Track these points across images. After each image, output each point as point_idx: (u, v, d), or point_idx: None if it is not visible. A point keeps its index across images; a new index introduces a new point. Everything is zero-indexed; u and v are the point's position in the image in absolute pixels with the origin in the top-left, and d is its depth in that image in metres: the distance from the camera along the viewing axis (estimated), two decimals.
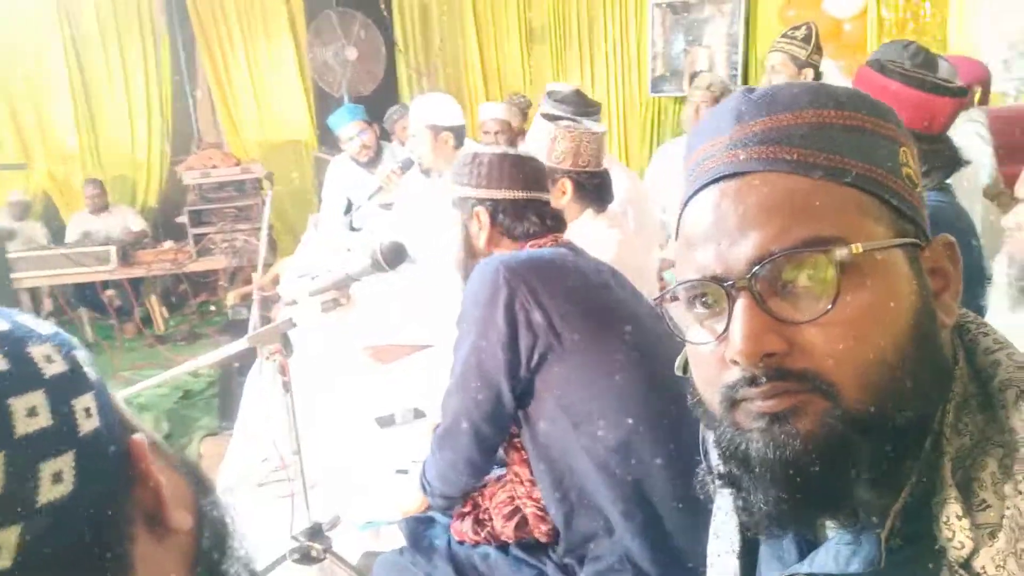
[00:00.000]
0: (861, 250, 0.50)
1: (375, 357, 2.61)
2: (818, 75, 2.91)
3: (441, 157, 2.57)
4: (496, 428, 1.32)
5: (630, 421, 1.23)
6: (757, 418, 0.52)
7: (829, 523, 0.57)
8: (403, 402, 2.21)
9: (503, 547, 1.33)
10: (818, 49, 2.94)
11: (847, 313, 0.50)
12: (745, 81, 5.92)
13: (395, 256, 1.38)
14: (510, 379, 1.27)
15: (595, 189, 1.95)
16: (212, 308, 5.57)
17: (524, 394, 1.30)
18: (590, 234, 1.96)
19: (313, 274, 3.40)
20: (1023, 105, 3.73)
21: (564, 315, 1.26)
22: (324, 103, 5.41)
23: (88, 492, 0.41)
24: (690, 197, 0.57)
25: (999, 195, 2.75)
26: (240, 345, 1.32)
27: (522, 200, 1.42)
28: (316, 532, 1.44)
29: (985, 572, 0.47)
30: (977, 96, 3.04)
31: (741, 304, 0.51)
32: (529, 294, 1.26)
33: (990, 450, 0.51)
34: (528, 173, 1.43)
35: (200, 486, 0.53)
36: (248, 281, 4.83)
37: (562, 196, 1.90)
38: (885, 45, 2.49)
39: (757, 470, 0.52)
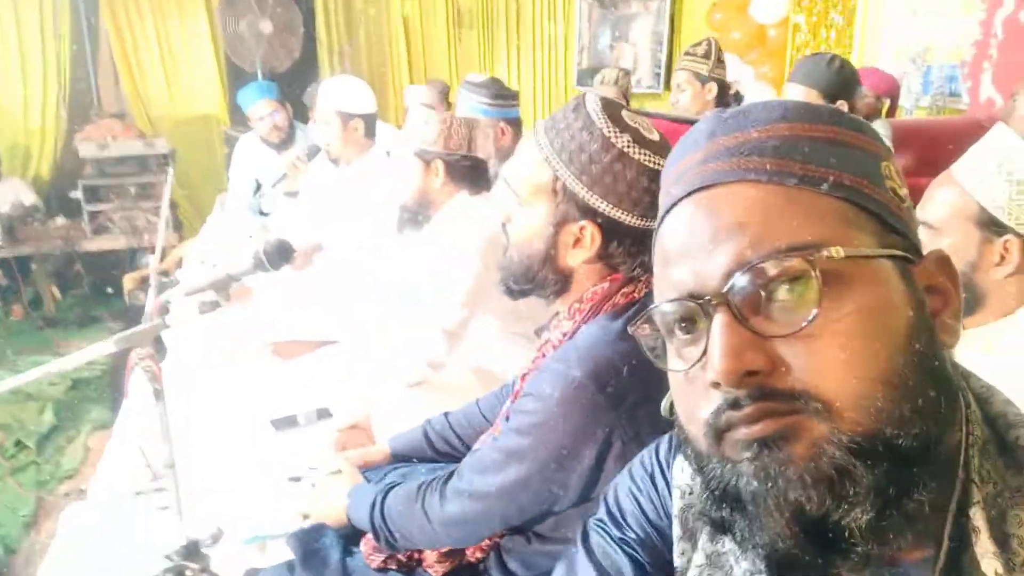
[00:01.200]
0: (843, 254, 0.46)
1: (277, 353, 2.48)
2: (723, 87, 3.00)
3: (350, 146, 2.47)
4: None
5: None
6: (745, 447, 0.47)
7: None
8: (307, 402, 2.11)
9: (409, 570, 1.25)
10: (720, 63, 3.04)
11: (832, 324, 0.46)
12: (668, 80, 5.99)
13: (279, 256, 1.27)
14: (573, 500, 1.06)
15: (468, 172, 1.95)
16: (109, 291, 5.25)
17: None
18: (463, 214, 1.96)
19: (213, 261, 3.24)
20: (921, 119, 3.89)
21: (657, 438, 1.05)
22: (238, 78, 5.16)
23: None
24: (664, 215, 0.55)
25: None
26: (106, 348, 1.19)
27: (646, 231, 1.05)
28: (192, 550, 1.33)
29: None
30: (885, 108, 3.13)
31: (719, 320, 0.48)
32: (629, 426, 0.99)
33: (1022, 503, 0.48)
34: (656, 195, 1.13)
35: None
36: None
37: (435, 178, 1.93)
38: (807, 59, 2.52)
39: (750, 508, 0.47)
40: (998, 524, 0.47)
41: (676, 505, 0.65)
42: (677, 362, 0.52)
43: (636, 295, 1.08)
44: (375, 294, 2.47)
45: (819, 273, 0.46)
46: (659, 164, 1.03)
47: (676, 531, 0.64)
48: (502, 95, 2.52)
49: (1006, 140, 1.09)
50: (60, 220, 4.89)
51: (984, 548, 0.46)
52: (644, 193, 1.03)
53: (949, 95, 3.33)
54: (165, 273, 3.38)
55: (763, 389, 0.47)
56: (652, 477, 0.70)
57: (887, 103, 3.15)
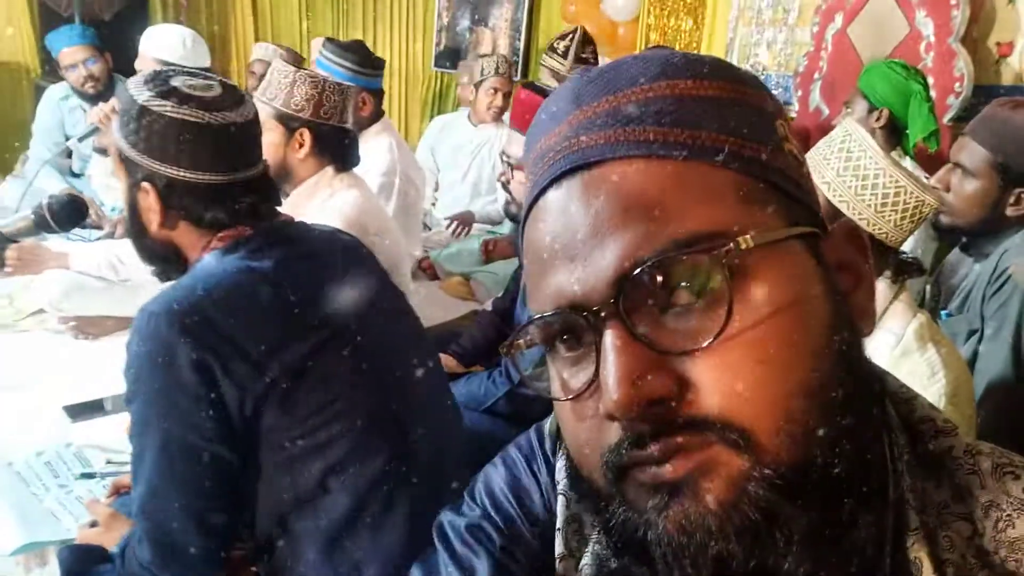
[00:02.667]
0: (752, 244, 0.38)
1: (79, 331, 2.19)
2: None
3: None
4: (230, 505, 1.04)
5: (359, 471, 1.04)
6: (652, 492, 0.39)
7: None
8: (113, 387, 1.86)
9: None
10: (580, 60, 3.01)
11: (747, 332, 0.38)
12: (526, 70, 6.00)
13: (68, 214, 1.06)
14: (228, 444, 1.00)
15: (337, 145, 1.78)
16: None
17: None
18: (324, 193, 1.80)
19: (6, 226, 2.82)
20: None
21: (270, 353, 0.99)
22: (50, 23, 4.57)
23: None
24: (531, 204, 0.45)
25: None
26: None
27: (214, 184, 1.05)
28: None
29: None
30: None
31: (610, 337, 0.39)
32: (219, 340, 0.96)
33: (952, 523, 0.42)
34: (228, 146, 1.05)
35: None
36: None
37: (299, 148, 1.73)
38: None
39: (660, 565, 0.39)
40: (933, 551, 0.41)
41: (560, 515, 0.53)
42: (560, 387, 0.43)
43: (236, 235, 1.08)
44: None
45: (728, 270, 0.38)
46: (193, 116, 1.02)
47: (559, 548, 0.52)
48: (369, 62, 2.35)
49: (853, 134, 1.11)
50: None
51: None
52: (184, 145, 1.02)
53: (783, 103, 3.54)
54: None
55: (670, 420, 0.38)
56: (534, 471, 0.58)
57: None
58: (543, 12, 5.95)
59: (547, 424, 0.59)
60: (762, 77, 3.88)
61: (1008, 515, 0.41)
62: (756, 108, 0.44)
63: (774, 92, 3.36)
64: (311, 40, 5.67)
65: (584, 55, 3.12)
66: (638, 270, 0.38)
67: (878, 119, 2.26)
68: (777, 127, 0.44)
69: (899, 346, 1.08)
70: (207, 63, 2.28)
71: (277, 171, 1.73)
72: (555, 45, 3.12)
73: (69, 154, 3.19)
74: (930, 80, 2.37)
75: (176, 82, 1.02)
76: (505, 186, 1.79)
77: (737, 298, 0.38)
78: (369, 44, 6.02)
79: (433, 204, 3.57)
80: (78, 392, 1.82)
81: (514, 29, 5.96)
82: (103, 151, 2.50)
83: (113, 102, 2.30)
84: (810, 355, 0.39)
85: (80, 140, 2.49)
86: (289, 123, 1.72)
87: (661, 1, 4.64)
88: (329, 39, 2.47)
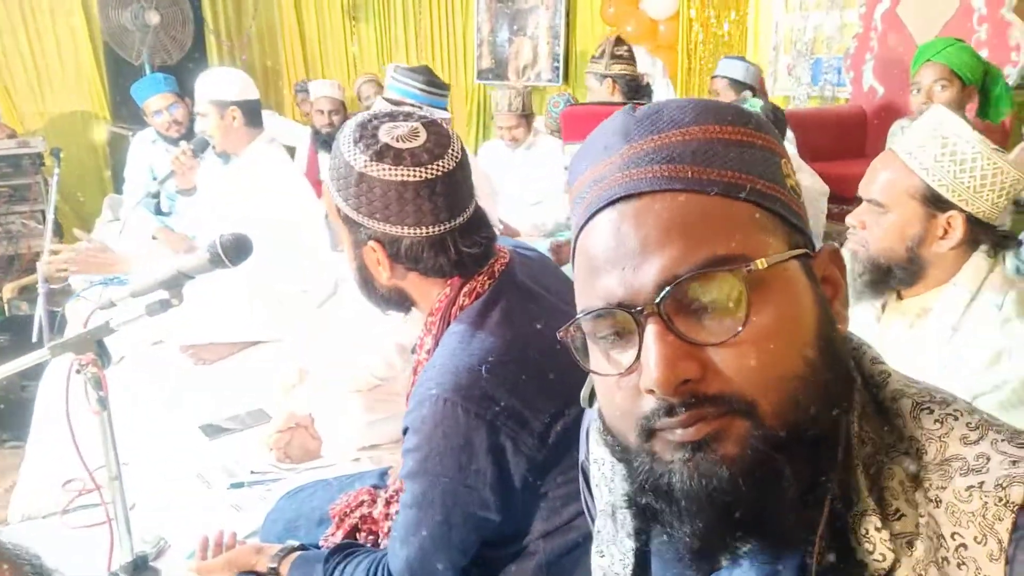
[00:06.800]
0: (766, 265, 0.49)
1: (196, 357, 2.36)
2: (634, 82, 3.27)
3: (231, 137, 2.32)
4: (480, 553, 1.09)
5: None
6: (678, 448, 0.49)
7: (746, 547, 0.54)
8: (237, 406, 2.01)
9: None
10: (616, 59, 3.30)
11: (758, 330, 0.48)
12: (567, 74, 6.09)
13: (238, 250, 1.18)
14: (503, 512, 1.03)
15: None
16: None
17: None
18: None
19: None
20: (810, 108, 4.15)
21: (552, 416, 1.01)
22: (120, 71, 4.84)
23: None
24: (586, 221, 0.54)
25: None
26: (40, 356, 1.09)
27: (433, 236, 1.03)
28: (140, 565, 1.25)
29: None
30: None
31: (652, 330, 0.49)
32: (510, 419, 0.98)
33: (895, 458, 0.51)
34: (441, 200, 1.02)
35: (30, 569, 0.40)
36: (27, 271, 4.21)
37: None
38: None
39: (683, 503, 0.49)
40: (875, 480, 0.51)
41: (601, 499, 0.66)
42: (604, 365, 0.53)
43: (480, 290, 1.07)
44: (306, 294, 2.38)
45: (745, 285, 0.48)
46: (412, 175, 1.00)
47: (607, 528, 0.65)
48: (436, 83, 2.47)
49: (947, 121, 1.17)
50: None
51: (865, 506, 0.50)
52: (406, 204, 1.01)
53: (836, 85, 3.56)
54: (48, 280, 3.13)
55: (695, 395, 0.48)
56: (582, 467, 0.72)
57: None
58: (580, 16, 6.03)
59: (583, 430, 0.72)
60: (811, 61, 3.91)
61: (922, 445, 0.51)
62: (768, 150, 0.54)
63: (825, 75, 3.42)
64: (356, 70, 5.89)
65: (618, 52, 3.33)
66: (676, 281, 0.49)
67: (971, 96, 2.28)
68: (782, 165, 0.55)
69: (1000, 314, 1.15)
70: (256, 96, 2.43)
71: None
72: (594, 55, 3.41)
73: (157, 194, 3.41)
74: (984, 53, 2.39)
75: (384, 136, 1.01)
76: None
77: (751, 304, 0.49)
78: (414, 64, 6.21)
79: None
80: (201, 413, 1.98)
81: (553, 36, 6.06)
82: (185, 192, 2.67)
83: (183, 145, 2.46)
84: (801, 347, 0.50)
85: (161, 183, 2.66)
86: None
87: None
88: (397, 66, 2.60)
